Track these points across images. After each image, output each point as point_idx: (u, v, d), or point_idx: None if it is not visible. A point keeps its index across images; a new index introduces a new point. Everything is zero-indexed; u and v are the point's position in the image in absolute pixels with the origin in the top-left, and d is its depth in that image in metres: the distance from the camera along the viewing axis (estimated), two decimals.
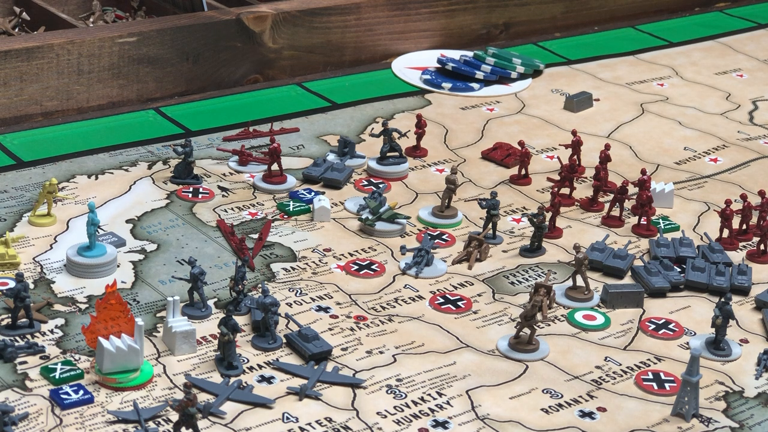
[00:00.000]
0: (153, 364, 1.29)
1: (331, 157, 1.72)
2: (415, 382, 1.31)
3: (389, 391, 1.29)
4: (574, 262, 1.47)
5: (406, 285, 1.47)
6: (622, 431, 1.26)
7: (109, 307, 1.28)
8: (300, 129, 1.82)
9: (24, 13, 2.04)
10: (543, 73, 2.08)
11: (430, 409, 1.27)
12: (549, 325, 1.42)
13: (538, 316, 1.37)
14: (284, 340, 1.34)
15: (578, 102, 1.96)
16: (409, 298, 1.45)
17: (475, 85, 2.00)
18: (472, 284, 1.49)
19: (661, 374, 1.34)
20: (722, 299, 1.38)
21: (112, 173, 1.66)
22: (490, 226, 1.56)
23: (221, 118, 1.84)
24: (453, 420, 1.26)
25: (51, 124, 1.78)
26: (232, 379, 1.28)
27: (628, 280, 1.51)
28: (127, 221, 1.55)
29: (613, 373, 1.35)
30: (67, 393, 1.24)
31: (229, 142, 1.76)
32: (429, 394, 1.29)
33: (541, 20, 2.25)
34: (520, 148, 1.72)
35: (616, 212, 1.64)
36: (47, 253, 1.47)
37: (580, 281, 1.47)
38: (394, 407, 1.27)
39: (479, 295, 1.47)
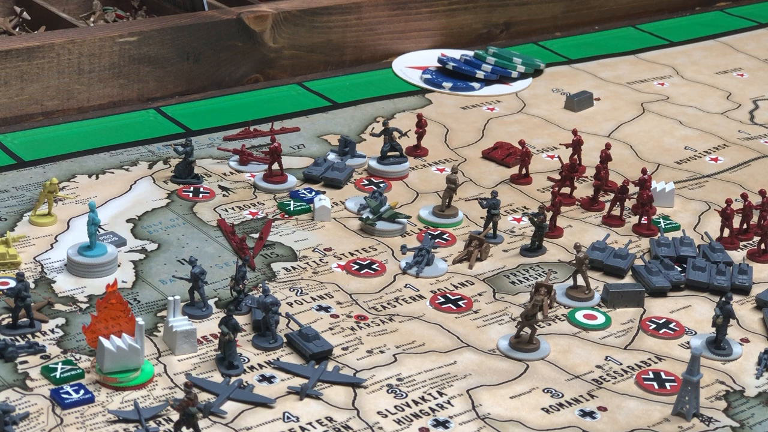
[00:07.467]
0: (154, 364, 1.29)
1: (332, 156, 1.72)
2: (416, 381, 1.31)
3: (390, 391, 1.29)
4: (574, 262, 1.47)
5: (406, 284, 1.47)
6: (622, 431, 1.26)
7: (110, 306, 1.28)
8: (300, 128, 1.82)
9: (24, 12, 2.04)
10: (543, 72, 2.08)
11: (430, 408, 1.27)
12: (549, 324, 1.42)
13: (539, 316, 1.37)
14: (285, 340, 1.34)
15: (579, 101, 1.96)
16: (410, 297, 1.45)
17: (475, 85, 2.00)
18: (473, 284, 1.48)
19: (662, 374, 1.34)
20: (723, 299, 1.38)
21: (112, 173, 1.66)
22: (490, 225, 1.56)
23: (222, 118, 1.83)
24: (453, 419, 1.26)
25: (51, 124, 1.78)
26: (233, 379, 1.28)
27: (628, 279, 1.51)
28: (128, 221, 1.55)
29: (614, 372, 1.35)
30: (67, 392, 1.23)
31: (230, 142, 1.76)
32: (430, 394, 1.29)
33: (541, 20, 2.25)
34: (520, 148, 1.72)
35: (616, 212, 1.64)
36: (48, 252, 1.47)
37: (580, 281, 1.47)
38: (395, 407, 1.27)
39: (480, 294, 1.46)
